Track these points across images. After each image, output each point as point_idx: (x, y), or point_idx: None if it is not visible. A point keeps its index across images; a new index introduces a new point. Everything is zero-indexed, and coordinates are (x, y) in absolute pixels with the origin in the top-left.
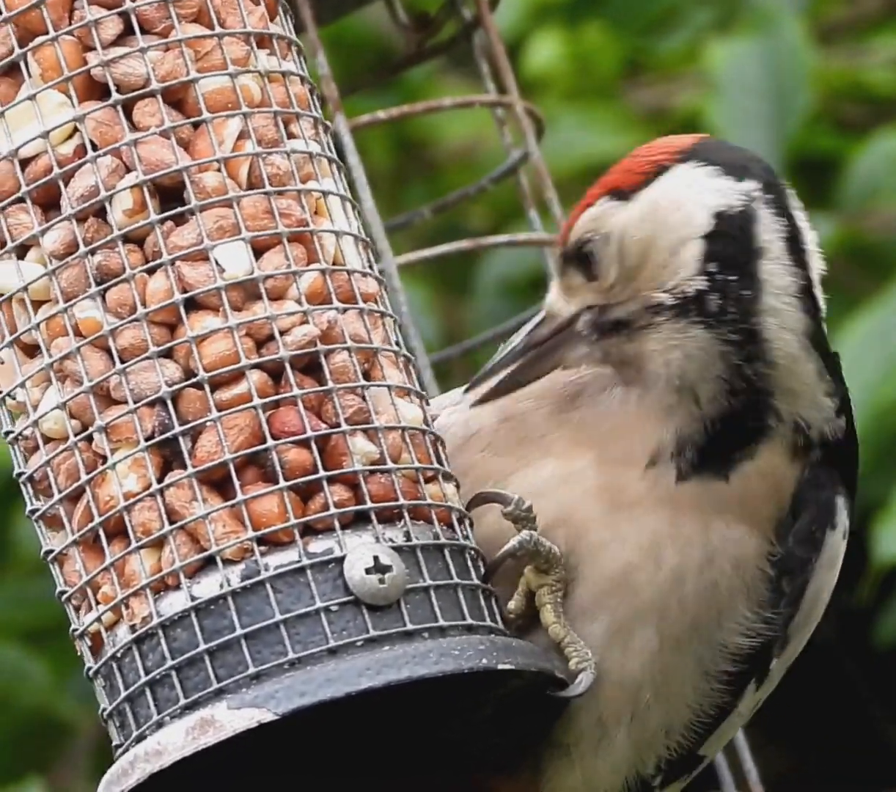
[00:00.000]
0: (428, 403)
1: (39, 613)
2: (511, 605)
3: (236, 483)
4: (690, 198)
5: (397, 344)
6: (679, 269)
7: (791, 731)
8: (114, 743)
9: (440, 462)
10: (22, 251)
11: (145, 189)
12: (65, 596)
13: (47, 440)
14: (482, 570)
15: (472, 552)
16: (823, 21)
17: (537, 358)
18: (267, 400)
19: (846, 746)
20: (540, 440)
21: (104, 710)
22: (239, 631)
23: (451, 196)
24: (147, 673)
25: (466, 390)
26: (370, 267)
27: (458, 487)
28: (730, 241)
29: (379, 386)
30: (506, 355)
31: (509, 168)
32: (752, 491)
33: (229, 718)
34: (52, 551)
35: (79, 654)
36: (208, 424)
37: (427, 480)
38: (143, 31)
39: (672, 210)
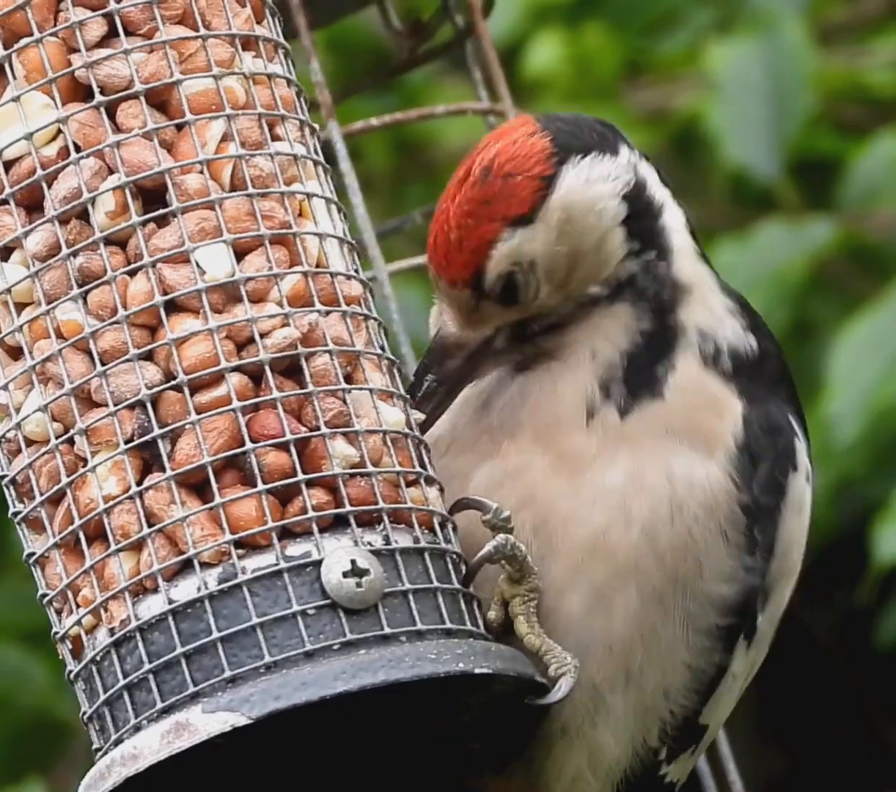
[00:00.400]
0: (413, 407)
1: (39, 615)
2: (490, 615)
3: (215, 486)
4: (595, 195)
5: (382, 347)
6: (610, 260)
7: (791, 732)
8: (94, 746)
9: (423, 466)
10: (5, 253)
11: (127, 191)
12: (46, 599)
13: (29, 443)
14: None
15: (454, 556)
16: (823, 22)
17: (458, 383)
18: (246, 403)
19: (846, 747)
20: (475, 446)
21: (84, 713)
22: (215, 634)
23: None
24: (125, 676)
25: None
26: (356, 270)
27: (441, 491)
28: (640, 215)
29: (360, 389)
30: (424, 391)
31: None
32: (691, 402)
33: (204, 722)
34: (33, 554)
35: (60, 657)
36: (187, 426)
37: (409, 484)
38: (128, 33)
39: (583, 214)
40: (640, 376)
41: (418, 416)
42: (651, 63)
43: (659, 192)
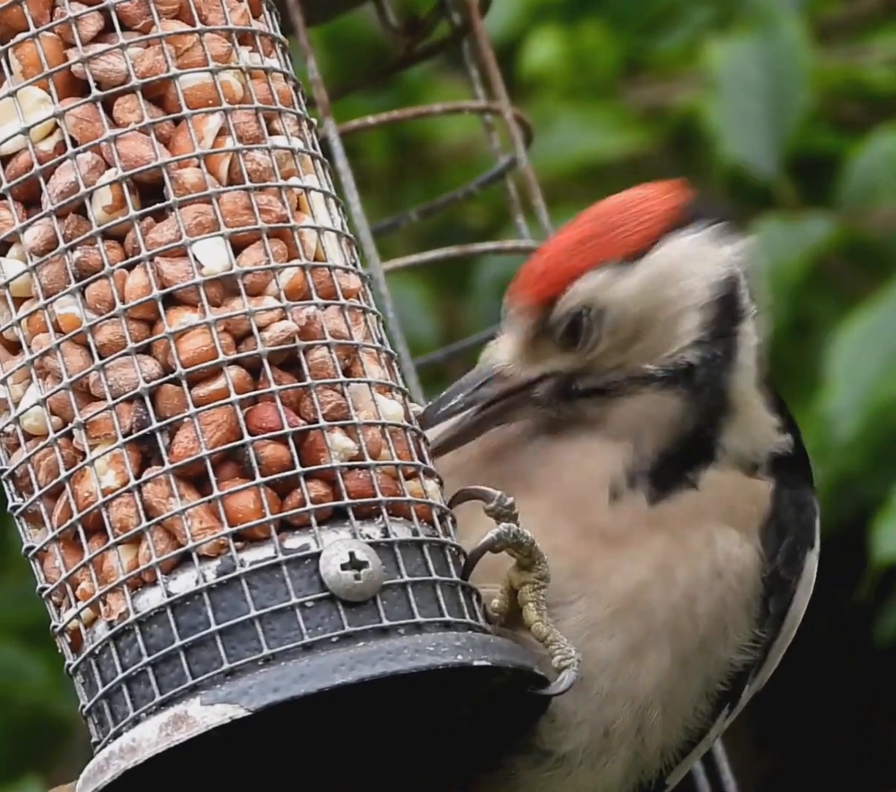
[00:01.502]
0: (411, 400)
1: (38, 612)
2: (494, 603)
3: (213, 479)
4: (688, 270)
5: (380, 341)
6: (675, 342)
7: (789, 729)
8: (93, 740)
9: (422, 459)
10: (3, 248)
11: (125, 185)
12: (45, 593)
13: (28, 437)
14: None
15: (453, 549)
16: (822, 20)
17: (484, 419)
18: (244, 396)
19: (844, 745)
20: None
21: (83, 706)
22: (214, 627)
23: (440, 200)
24: (124, 669)
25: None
26: (354, 263)
27: (440, 483)
28: (721, 309)
29: (359, 382)
30: (448, 408)
31: (496, 174)
32: (725, 491)
33: (202, 714)
34: (32, 548)
35: (59, 651)
36: (186, 419)
37: (407, 477)
38: (124, 28)
39: (671, 284)
40: (668, 477)
41: (416, 409)
42: (649, 61)
43: (748, 302)
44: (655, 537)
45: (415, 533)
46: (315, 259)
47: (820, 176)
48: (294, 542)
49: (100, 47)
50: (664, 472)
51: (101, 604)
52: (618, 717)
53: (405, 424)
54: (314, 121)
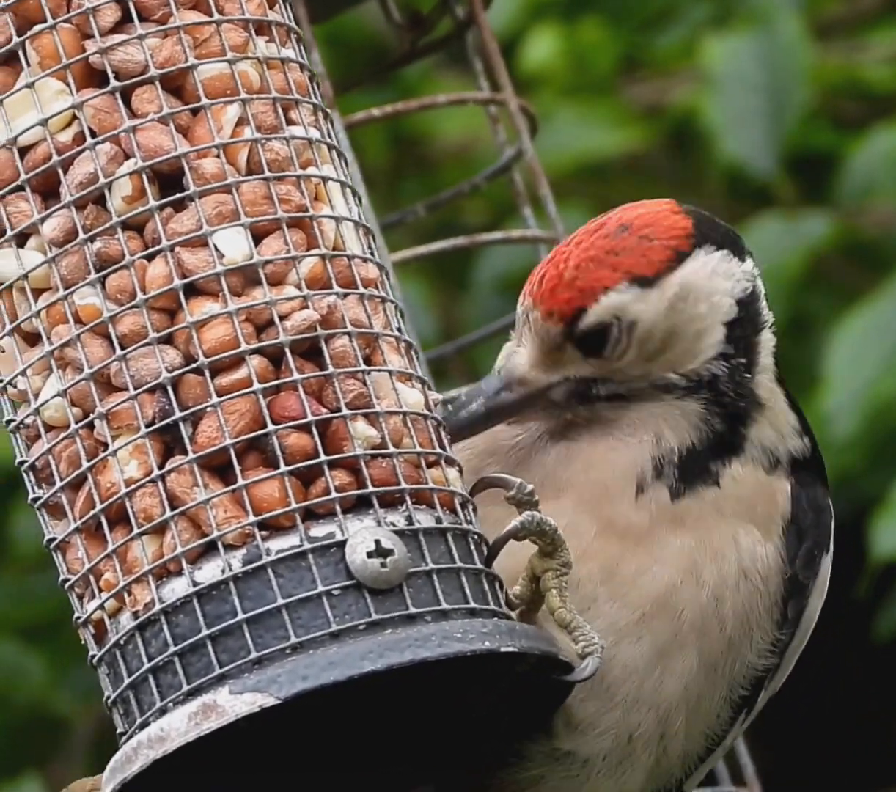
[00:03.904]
0: (430, 388)
1: (37, 609)
2: (516, 590)
3: (237, 468)
4: (714, 287)
5: (399, 330)
6: (700, 354)
7: (788, 726)
8: (118, 731)
9: (442, 447)
10: (22, 239)
11: (144, 176)
12: (67, 584)
13: (48, 428)
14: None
15: (476, 536)
16: (820, 17)
17: (496, 415)
18: (267, 385)
19: (843, 741)
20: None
21: (108, 697)
22: (241, 616)
23: (445, 194)
24: (150, 659)
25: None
26: (371, 253)
27: (461, 471)
28: (745, 323)
29: (380, 371)
30: (469, 414)
31: (503, 166)
32: (746, 488)
33: (231, 703)
34: (54, 539)
35: (83, 642)
36: (209, 409)
37: (429, 465)
38: (142, 19)
39: (698, 300)
40: (695, 468)
41: (436, 396)
42: (648, 58)
43: (766, 310)
44: (679, 535)
45: (438, 521)
46: (334, 248)
47: (818, 174)
48: (319, 530)
49: (117, 38)
50: (691, 463)
51: (125, 594)
52: (642, 723)
53: (426, 412)
54: (328, 111)
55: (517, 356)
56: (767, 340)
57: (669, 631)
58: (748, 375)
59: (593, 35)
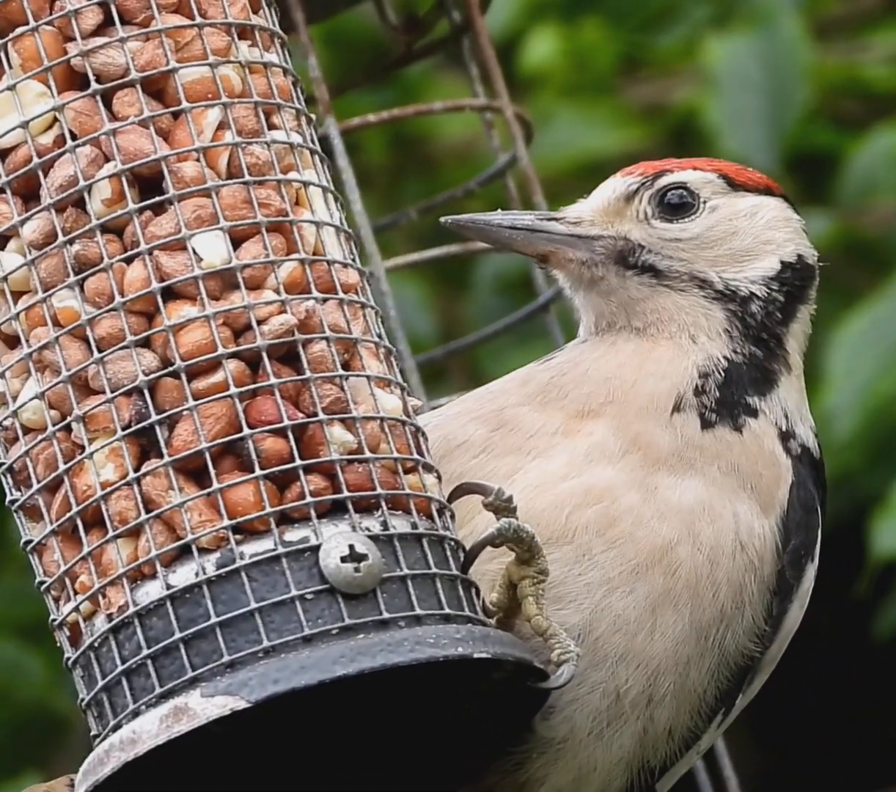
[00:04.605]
0: (410, 394)
1: (37, 608)
2: (492, 597)
3: (212, 472)
4: (786, 225)
5: (379, 336)
6: (746, 269)
7: (787, 725)
8: (92, 732)
9: (421, 453)
10: (2, 241)
11: (123, 179)
12: (44, 586)
13: (27, 431)
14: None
15: (452, 542)
16: (821, 17)
17: (536, 238)
18: (243, 389)
19: (843, 740)
20: (541, 432)
21: (83, 700)
22: (214, 619)
23: (439, 198)
24: (123, 662)
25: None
26: (352, 258)
27: (439, 478)
28: (797, 278)
29: (357, 376)
30: (505, 220)
31: (496, 172)
32: (759, 454)
33: (202, 706)
34: (31, 541)
35: (58, 644)
36: (185, 413)
37: (407, 471)
38: (124, 22)
39: (769, 225)
40: (733, 392)
41: (415, 402)
42: (648, 58)
43: (813, 293)
44: (687, 480)
45: (414, 526)
46: (314, 253)
47: (818, 173)
48: (293, 534)
49: (99, 41)
50: (731, 385)
51: (100, 597)
52: (630, 680)
53: (404, 418)
54: (313, 116)
55: (578, 204)
56: (804, 318)
57: (663, 585)
58: (782, 317)
59: (593, 35)
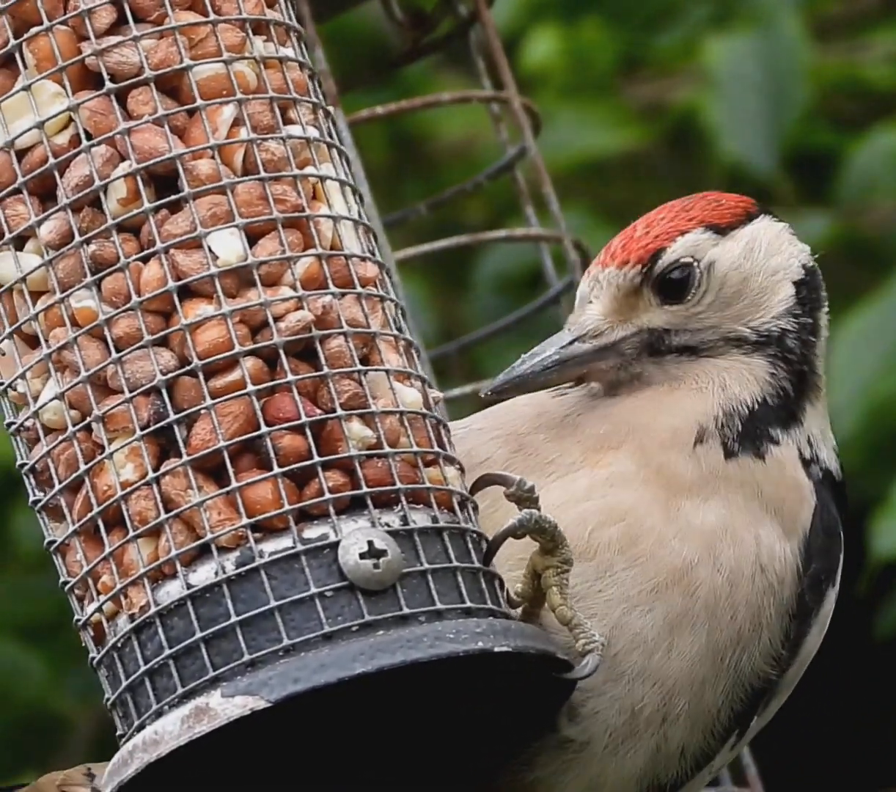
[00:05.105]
0: (431, 387)
1: (37, 609)
2: (517, 587)
3: (231, 470)
4: (783, 246)
5: (399, 329)
6: (769, 309)
7: (787, 725)
8: (118, 732)
9: (442, 446)
10: (20, 242)
11: (139, 177)
12: (68, 586)
13: (48, 431)
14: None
15: (474, 535)
16: (821, 16)
17: (569, 368)
18: (261, 387)
19: (845, 740)
20: (560, 461)
21: (108, 699)
22: (234, 618)
23: (447, 192)
24: (146, 662)
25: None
26: (371, 252)
27: (461, 470)
28: (810, 291)
29: (376, 370)
30: (540, 360)
31: (505, 164)
32: (783, 479)
33: (223, 706)
34: (54, 542)
35: (83, 644)
36: (203, 411)
37: (427, 464)
38: (137, 20)
39: (769, 254)
40: (756, 426)
41: (436, 395)
42: (648, 58)
43: (824, 296)
44: (710, 505)
45: (434, 520)
46: (331, 248)
47: (818, 173)
48: (313, 532)
49: (113, 40)
50: (754, 420)
51: (122, 597)
52: (646, 698)
53: (424, 411)
54: (329, 109)
55: (589, 310)
56: (824, 325)
57: (681, 605)
58: (813, 339)
59: (593, 35)
